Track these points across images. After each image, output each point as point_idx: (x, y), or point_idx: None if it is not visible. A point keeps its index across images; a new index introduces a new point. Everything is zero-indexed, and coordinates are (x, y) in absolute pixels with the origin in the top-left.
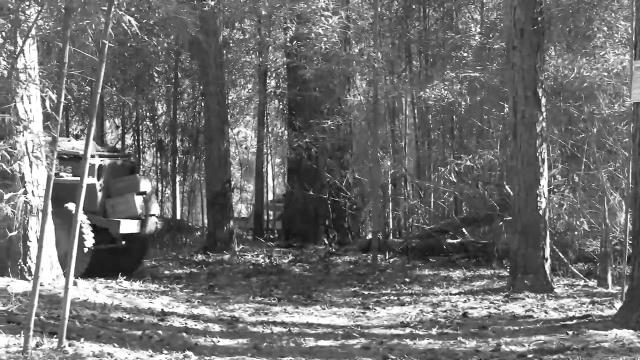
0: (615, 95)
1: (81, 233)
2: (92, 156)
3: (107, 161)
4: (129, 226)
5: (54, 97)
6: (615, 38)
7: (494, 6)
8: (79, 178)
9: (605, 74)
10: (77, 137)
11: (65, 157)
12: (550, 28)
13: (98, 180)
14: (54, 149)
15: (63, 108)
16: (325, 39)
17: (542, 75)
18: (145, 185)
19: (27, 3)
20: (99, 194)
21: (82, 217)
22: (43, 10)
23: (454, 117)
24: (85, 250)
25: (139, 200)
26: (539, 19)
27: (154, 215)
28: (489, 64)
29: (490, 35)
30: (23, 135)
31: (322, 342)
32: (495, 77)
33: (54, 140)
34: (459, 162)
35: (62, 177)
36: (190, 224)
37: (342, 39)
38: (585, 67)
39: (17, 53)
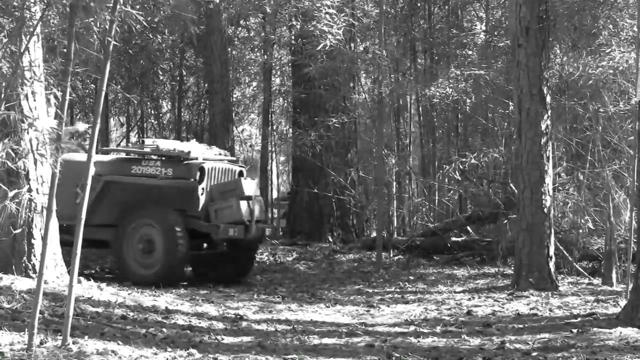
0: (621, 93)
1: (174, 238)
2: (195, 158)
3: (211, 164)
4: (230, 231)
5: (59, 94)
6: (621, 36)
7: (498, 4)
8: (157, 179)
9: (611, 71)
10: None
11: (164, 157)
12: (555, 26)
13: (200, 183)
14: (58, 146)
15: (68, 105)
16: (329, 36)
17: (548, 73)
18: (250, 189)
19: (33, 0)
20: (202, 198)
21: (176, 222)
22: (48, 8)
23: (459, 115)
24: (180, 255)
25: (243, 204)
26: (544, 16)
27: (260, 221)
28: (493, 62)
29: (495, 33)
30: (28, 132)
31: (326, 340)
32: (500, 75)
33: (58, 137)
34: (464, 160)
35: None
36: None
37: (347, 36)
38: (590, 65)
39: (22, 51)
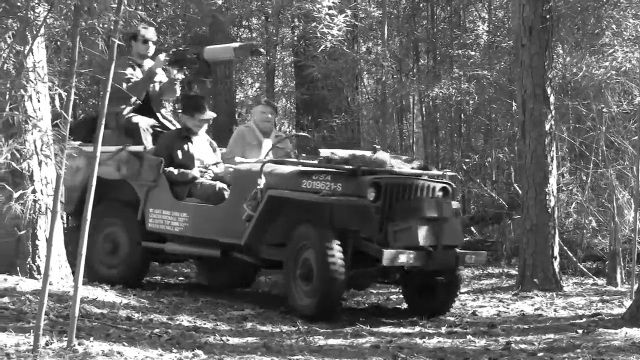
0: (624, 93)
1: (328, 262)
2: (371, 173)
3: (394, 179)
4: (401, 258)
5: (63, 95)
6: (625, 36)
7: (501, 4)
8: (324, 196)
9: (614, 72)
10: (375, 150)
11: (336, 171)
12: (558, 26)
13: (374, 201)
14: (63, 147)
15: (72, 107)
16: (331, 37)
17: (551, 73)
18: (436, 209)
19: (37, 1)
20: (376, 218)
21: (334, 244)
22: (52, 9)
23: (462, 115)
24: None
25: (423, 227)
26: (548, 16)
27: (453, 246)
28: (496, 62)
29: (498, 34)
30: (32, 133)
31: (331, 341)
32: (503, 75)
33: (63, 138)
34: (467, 160)
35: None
36: None
37: (349, 37)
38: (593, 65)
39: (26, 52)
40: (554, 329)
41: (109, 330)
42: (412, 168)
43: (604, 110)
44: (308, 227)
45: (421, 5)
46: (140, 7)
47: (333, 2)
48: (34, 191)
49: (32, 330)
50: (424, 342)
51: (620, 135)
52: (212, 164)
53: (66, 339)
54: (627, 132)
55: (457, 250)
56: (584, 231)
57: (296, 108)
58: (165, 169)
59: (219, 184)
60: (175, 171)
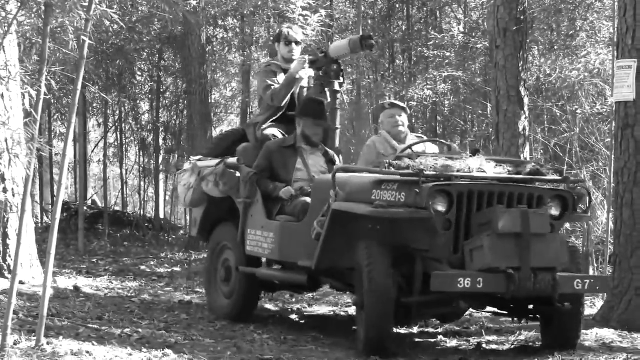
0: (598, 95)
1: (375, 287)
2: (441, 179)
3: (471, 186)
4: (458, 282)
5: (33, 94)
6: (598, 38)
7: (476, 6)
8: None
9: (587, 74)
10: (476, 152)
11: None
12: (533, 27)
13: (446, 213)
14: (32, 147)
15: (45, 106)
16: (305, 37)
17: (525, 74)
18: (526, 222)
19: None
20: (446, 233)
21: (384, 270)
22: (22, 7)
23: (437, 116)
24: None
25: (498, 244)
26: (522, 18)
27: (551, 268)
28: (471, 64)
29: (473, 35)
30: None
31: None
32: (478, 76)
33: (32, 138)
34: None
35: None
36: (173, 222)
37: (324, 37)
38: (567, 67)
39: None
40: (525, 328)
41: (79, 329)
42: (519, 173)
43: (578, 111)
44: (364, 245)
45: (397, 5)
46: (115, 7)
47: (307, 3)
48: (4, 190)
49: (0, 330)
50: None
51: (594, 136)
52: None
53: (34, 338)
54: (601, 134)
55: (559, 274)
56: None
57: None
58: (260, 181)
59: (307, 199)
60: (270, 185)
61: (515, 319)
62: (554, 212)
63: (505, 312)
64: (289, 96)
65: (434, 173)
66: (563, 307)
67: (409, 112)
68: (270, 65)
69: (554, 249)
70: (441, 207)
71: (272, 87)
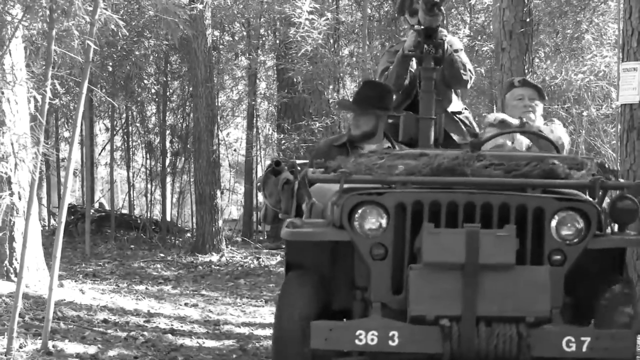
0: (604, 98)
1: None
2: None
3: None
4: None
5: (39, 98)
6: (604, 40)
7: (482, 8)
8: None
9: (593, 76)
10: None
11: None
12: (538, 30)
13: (377, 234)
14: (38, 151)
15: (52, 110)
16: (310, 41)
17: (531, 77)
18: (472, 248)
19: (12, 3)
20: (383, 265)
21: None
22: (27, 11)
23: None
24: None
25: (427, 279)
26: (528, 20)
27: (516, 318)
28: (477, 66)
29: (479, 38)
30: (10, 136)
31: None
32: (484, 78)
33: (38, 141)
34: None
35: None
36: (179, 225)
37: (330, 40)
38: (573, 69)
39: (2, 54)
40: None
41: (85, 332)
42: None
43: (584, 114)
44: (286, 280)
45: None
46: (121, 10)
47: (313, 7)
48: (11, 194)
49: (6, 333)
50: None
51: (600, 139)
52: None
53: (40, 341)
54: (607, 136)
55: (544, 326)
56: None
57: (277, 111)
58: (300, 191)
59: None
60: (307, 198)
61: None
62: (565, 231)
63: None
64: (407, 77)
65: (367, 177)
66: None
67: (546, 97)
68: (394, 46)
69: (524, 289)
70: (370, 226)
71: (389, 70)
